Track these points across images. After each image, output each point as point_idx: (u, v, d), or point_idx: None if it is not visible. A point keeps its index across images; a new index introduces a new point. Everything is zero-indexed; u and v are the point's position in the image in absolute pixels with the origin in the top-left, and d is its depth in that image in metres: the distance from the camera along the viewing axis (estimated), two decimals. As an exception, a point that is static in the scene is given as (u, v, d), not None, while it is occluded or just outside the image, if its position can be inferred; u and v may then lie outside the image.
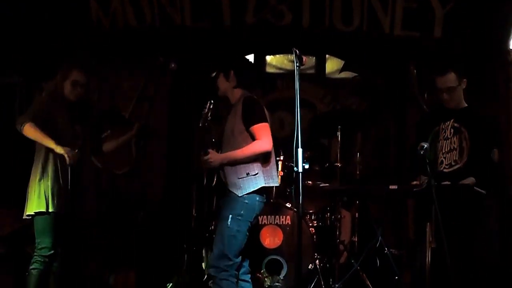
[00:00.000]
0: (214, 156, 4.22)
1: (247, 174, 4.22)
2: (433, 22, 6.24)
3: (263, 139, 4.21)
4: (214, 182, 4.34)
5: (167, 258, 6.03)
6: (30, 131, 4.38)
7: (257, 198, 4.27)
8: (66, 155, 4.34)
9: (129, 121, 5.19)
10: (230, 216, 4.19)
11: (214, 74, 4.38)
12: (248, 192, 4.22)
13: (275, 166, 4.45)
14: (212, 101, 4.20)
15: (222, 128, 4.38)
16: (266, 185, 4.29)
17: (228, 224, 4.18)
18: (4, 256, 5.69)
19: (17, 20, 6.41)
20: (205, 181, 4.34)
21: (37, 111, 4.50)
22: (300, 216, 3.72)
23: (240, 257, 4.24)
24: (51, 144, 4.37)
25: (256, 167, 4.25)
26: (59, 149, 4.35)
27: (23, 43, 6.39)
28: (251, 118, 4.20)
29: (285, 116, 6.92)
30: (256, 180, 4.24)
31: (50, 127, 4.49)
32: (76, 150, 4.42)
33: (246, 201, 4.23)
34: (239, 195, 4.20)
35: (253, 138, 4.23)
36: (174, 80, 6.60)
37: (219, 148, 4.33)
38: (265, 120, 4.26)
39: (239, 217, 4.20)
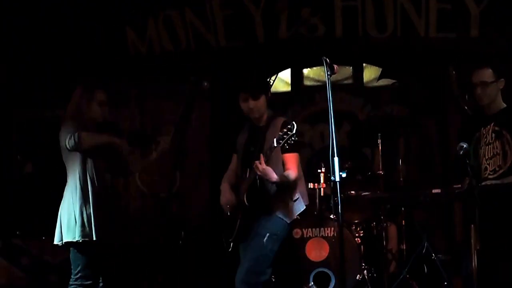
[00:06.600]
0: (262, 166, 4.07)
1: (295, 199, 4.32)
2: (468, 22, 6.12)
3: (292, 169, 4.25)
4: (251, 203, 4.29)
5: (208, 282, 6.02)
6: (88, 138, 4.31)
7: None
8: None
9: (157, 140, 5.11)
10: (268, 234, 4.22)
11: (255, 96, 4.32)
12: (295, 216, 4.32)
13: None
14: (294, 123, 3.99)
15: (261, 141, 4.31)
16: (303, 209, 4.41)
17: (264, 243, 4.21)
18: (56, 284, 5.77)
19: (60, 53, 6.60)
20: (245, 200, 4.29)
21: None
22: (341, 224, 3.67)
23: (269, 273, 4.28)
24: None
25: (297, 192, 4.36)
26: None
27: (65, 76, 6.53)
28: (288, 145, 4.06)
29: (325, 128, 6.87)
30: (300, 204, 4.36)
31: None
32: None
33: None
34: (288, 222, 4.28)
35: (282, 162, 4.27)
36: (213, 101, 6.66)
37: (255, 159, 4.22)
38: (298, 150, 4.33)
39: (275, 236, 4.24)
